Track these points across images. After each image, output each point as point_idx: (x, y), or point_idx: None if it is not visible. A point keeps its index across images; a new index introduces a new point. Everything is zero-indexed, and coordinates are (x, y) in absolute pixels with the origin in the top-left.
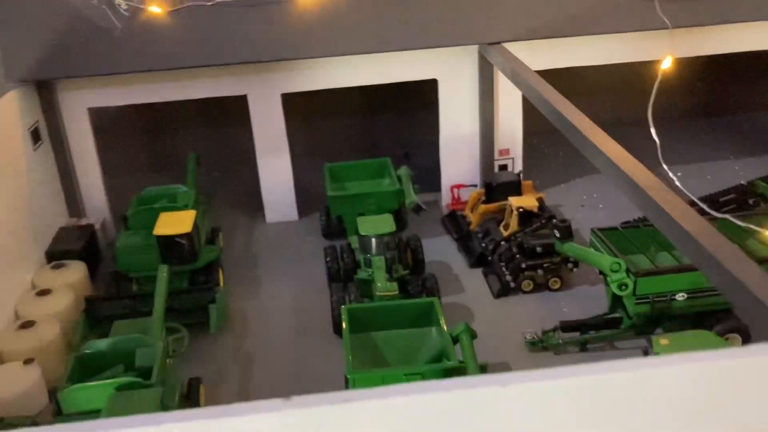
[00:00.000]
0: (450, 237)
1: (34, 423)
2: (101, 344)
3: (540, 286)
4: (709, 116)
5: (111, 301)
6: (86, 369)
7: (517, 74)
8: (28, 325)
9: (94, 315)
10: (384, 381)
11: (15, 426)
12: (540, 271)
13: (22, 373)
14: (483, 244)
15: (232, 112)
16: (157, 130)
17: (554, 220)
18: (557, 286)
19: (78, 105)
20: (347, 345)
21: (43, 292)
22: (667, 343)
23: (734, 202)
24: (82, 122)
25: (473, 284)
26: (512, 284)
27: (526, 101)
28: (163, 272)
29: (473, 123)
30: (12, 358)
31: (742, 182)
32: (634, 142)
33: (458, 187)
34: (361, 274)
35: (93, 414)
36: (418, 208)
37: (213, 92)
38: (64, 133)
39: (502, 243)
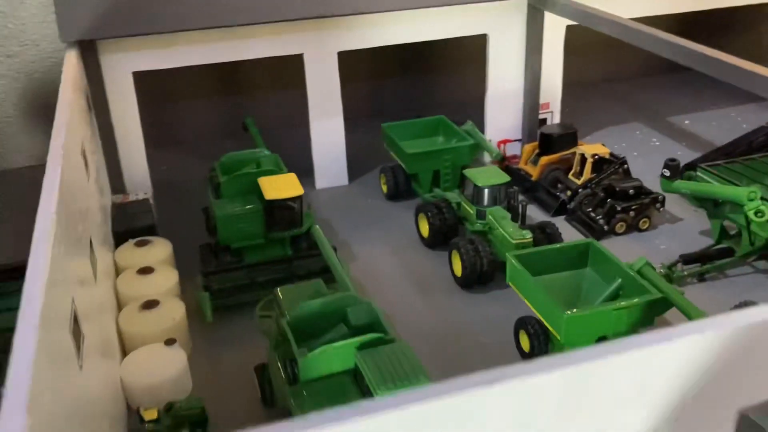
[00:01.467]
0: None
1: (203, 408)
2: (313, 305)
3: (629, 228)
4: (668, 72)
5: (227, 273)
6: (300, 332)
7: (599, 18)
8: (151, 305)
9: (212, 289)
10: (596, 318)
11: (190, 411)
12: (632, 213)
13: (169, 355)
14: (558, 193)
15: (246, 80)
16: (158, 101)
17: (622, 167)
18: (646, 226)
19: (122, 69)
20: (539, 289)
21: (145, 271)
22: None
23: None
24: (127, 88)
25: (564, 231)
26: (606, 227)
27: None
28: (318, 231)
29: (518, 78)
30: (143, 341)
31: None
32: (631, 97)
33: (505, 142)
34: (476, 226)
35: (334, 377)
36: (502, 159)
37: (268, 51)
38: (107, 100)
39: (580, 190)
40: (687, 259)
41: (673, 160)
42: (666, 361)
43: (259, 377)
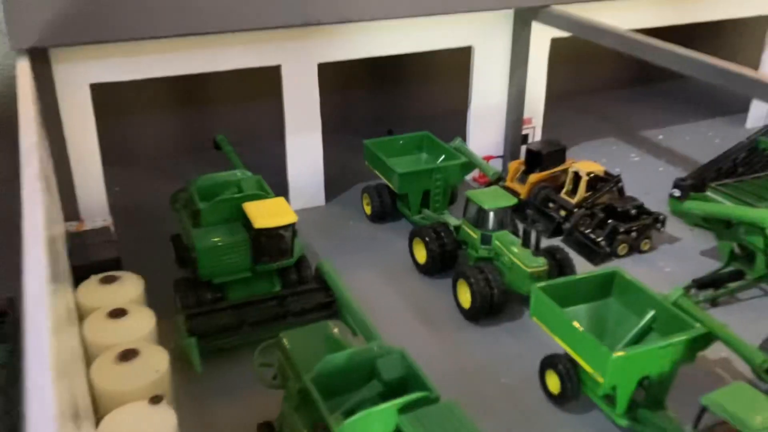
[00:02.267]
0: None
1: None
2: (339, 360)
3: (630, 249)
4: (635, 85)
5: (212, 313)
6: (324, 388)
7: (596, 29)
8: (130, 355)
9: (198, 333)
10: (642, 358)
11: None
12: (633, 234)
13: (156, 416)
14: (552, 213)
15: (208, 91)
16: (108, 113)
17: (617, 186)
18: (647, 247)
19: (78, 80)
20: (575, 326)
21: (117, 313)
22: None
23: None
24: (82, 101)
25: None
26: (608, 249)
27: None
28: (327, 265)
29: (502, 92)
30: (123, 400)
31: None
32: (600, 110)
33: (488, 158)
34: (480, 252)
35: None
36: (499, 179)
37: (243, 62)
38: (59, 115)
39: (575, 210)
40: (701, 284)
41: (683, 179)
42: None
43: None
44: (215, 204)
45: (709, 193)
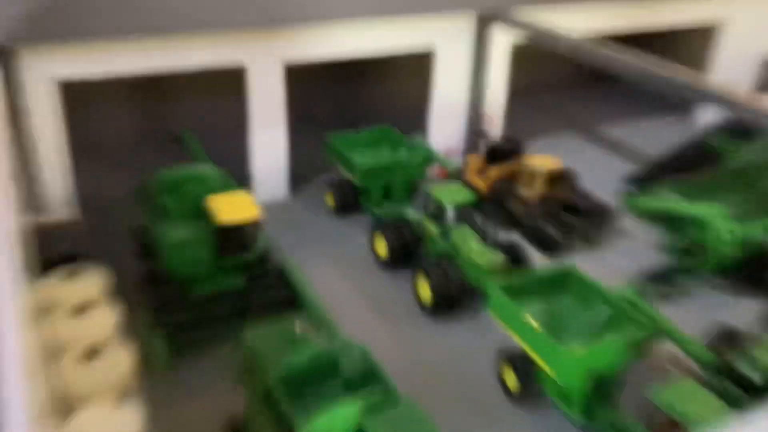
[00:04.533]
0: None
1: None
2: (304, 358)
3: (585, 243)
4: (592, 84)
5: (179, 308)
6: (289, 385)
7: (553, 37)
8: (96, 352)
9: (161, 328)
10: (596, 355)
11: None
12: (588, 229)
13: (123, 416)
14: (509, 208)
15: (169, 84)
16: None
17: (573, 181)
18: (601, 242)
19: (45, 76)
20: (530, 324)
21: (81, 309)
22: None
23: None
24: (50, 97)
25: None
26: (563, 243)
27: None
28: (290, 262)
29: (462, 91)
30: (88, 399)
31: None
32: (558, 108)
33: (447, 153)
34: (440, 247)
35: None
36: (458, 174)
37: (209, 61)
38: (26, 110)
39: (532, 204)
40: (650, 279)
41: (636, 176)
42: None
43: None
44: (180, 198)
45: (659, 190)
